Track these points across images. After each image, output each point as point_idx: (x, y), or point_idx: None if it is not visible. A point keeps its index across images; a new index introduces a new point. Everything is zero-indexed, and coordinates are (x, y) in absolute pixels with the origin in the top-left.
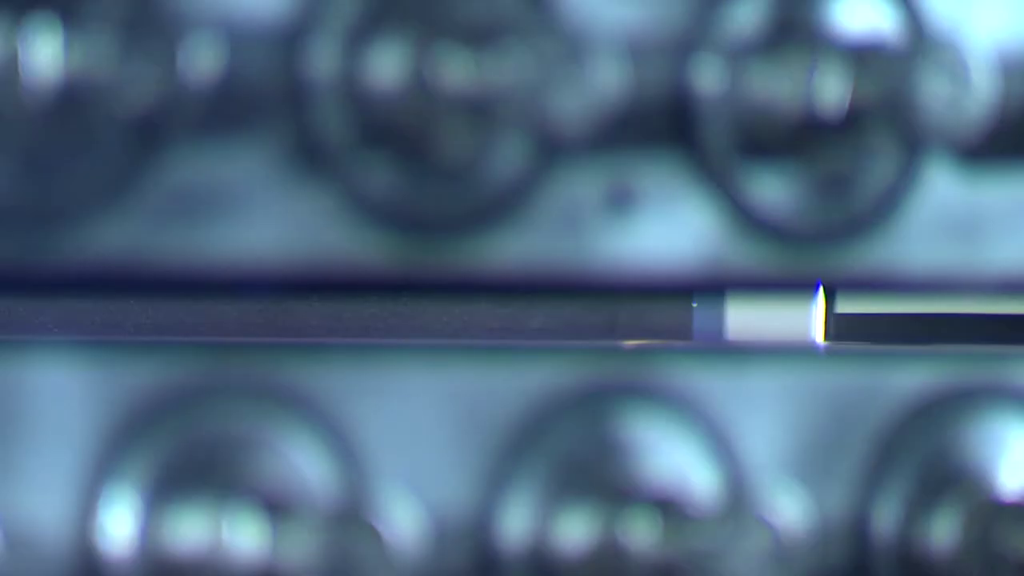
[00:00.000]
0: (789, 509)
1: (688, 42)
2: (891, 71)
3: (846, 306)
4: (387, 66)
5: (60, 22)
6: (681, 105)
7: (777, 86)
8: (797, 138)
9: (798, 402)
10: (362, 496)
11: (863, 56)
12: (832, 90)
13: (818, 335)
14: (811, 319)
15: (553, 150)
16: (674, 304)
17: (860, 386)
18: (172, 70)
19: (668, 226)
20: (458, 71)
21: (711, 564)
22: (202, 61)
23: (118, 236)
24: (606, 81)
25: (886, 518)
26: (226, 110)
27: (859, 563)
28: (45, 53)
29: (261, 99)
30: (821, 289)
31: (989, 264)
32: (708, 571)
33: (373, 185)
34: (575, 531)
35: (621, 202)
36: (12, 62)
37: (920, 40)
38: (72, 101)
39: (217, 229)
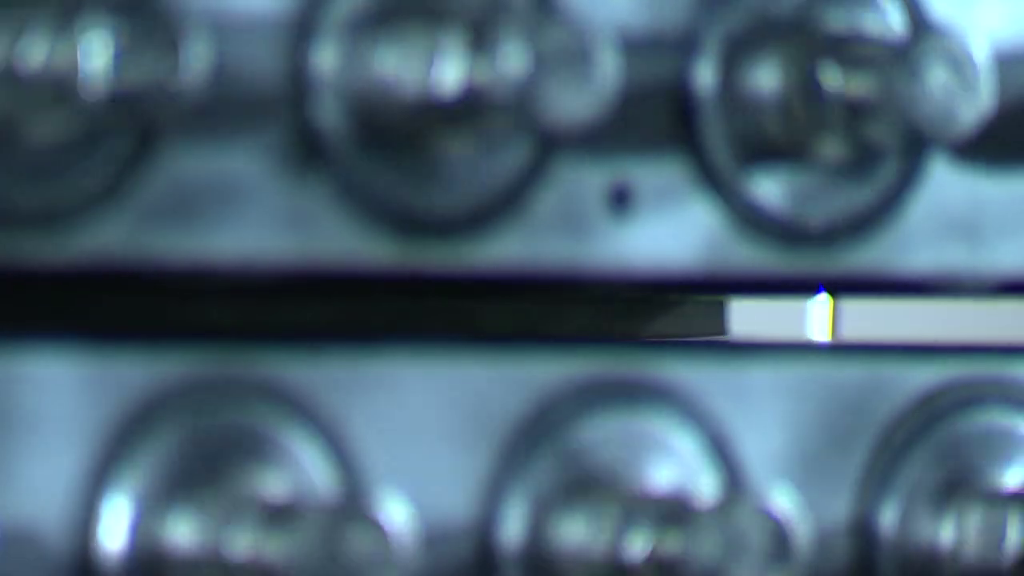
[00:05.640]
0: (790, 507)
1: (688, 40)
2: (891, 69)
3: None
4: (387, 63)
5: (59, 20)
6: (681, 104)
7: (777, 85)
8: (796, 137)
9: (799, 400)
10: (361, 495)
11: (863, 54)
12: (829, 89)
13: (819, 333)
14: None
15: (553, 149)
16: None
17: (861, 384)
18: (171, 67)
19: (668, 226)
20: (458, 69)
21: (711, 563)
22: (201, 58)
23: (117, 234)
24: (606, 79)
25: (887, 516)
26: (225, 107)
27: (860, 562)
28: (43, 50)
29: (260, 96)
30: (822, 289)
31: (989, 263)
32: (708, 570)
33: (373, 183)
34: (574, 530)
35: (621, 201)
36: (11, 60)
37: (920, 38)
38: (72, 99)
39: (216, 227)
